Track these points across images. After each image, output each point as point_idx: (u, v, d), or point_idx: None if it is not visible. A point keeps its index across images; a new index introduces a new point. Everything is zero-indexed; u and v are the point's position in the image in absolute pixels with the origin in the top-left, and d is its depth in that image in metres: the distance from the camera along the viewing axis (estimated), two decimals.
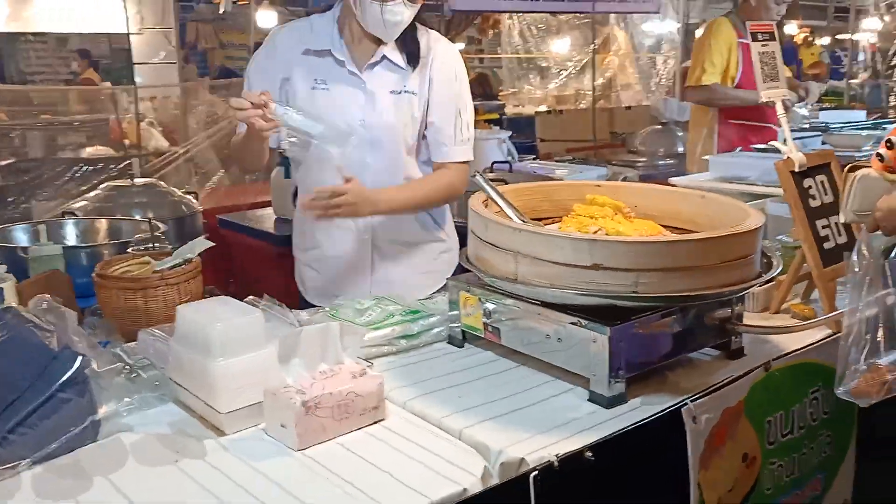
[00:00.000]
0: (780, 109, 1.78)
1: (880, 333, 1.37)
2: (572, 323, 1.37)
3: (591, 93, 6.53)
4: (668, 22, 6.83)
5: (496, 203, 1.58)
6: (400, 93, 1.97)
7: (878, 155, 1.29)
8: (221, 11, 4.92)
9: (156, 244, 1.86)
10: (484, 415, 1.34)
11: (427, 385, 1.46)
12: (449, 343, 1.66)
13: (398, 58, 1.97)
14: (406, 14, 1.88)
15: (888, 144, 1.27)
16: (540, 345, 1.45)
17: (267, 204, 3.71)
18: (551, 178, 2.93)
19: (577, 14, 6.05)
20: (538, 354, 1.47)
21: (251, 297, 1.63)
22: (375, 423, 1.32)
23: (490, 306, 1.54)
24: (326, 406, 1.26)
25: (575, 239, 1.34)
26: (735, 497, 1.52)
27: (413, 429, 1.32)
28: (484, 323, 1.56)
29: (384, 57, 1.96)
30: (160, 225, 2.27)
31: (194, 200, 3.26)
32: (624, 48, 6.63)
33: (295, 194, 3.14)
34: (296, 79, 1.95)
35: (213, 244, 1.78)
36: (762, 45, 1.72)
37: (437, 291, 1.97)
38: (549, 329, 1.42)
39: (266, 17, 6.34)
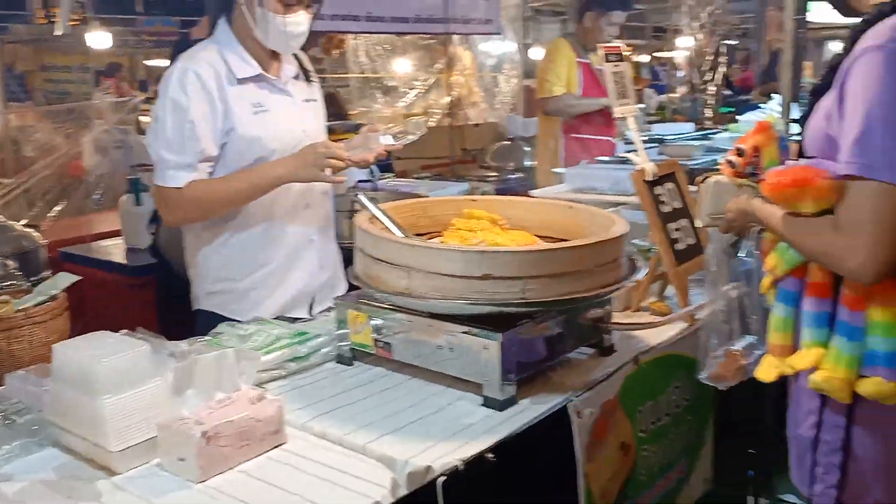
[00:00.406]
0: (631, 124, 1.94)
1: (733, 322, 1.53)
2: (464, 332, 1.43)
3: (439, 111, 6.71)
4: (507, 42, 7.14)
5: (380, 220, 1.61)
6: (309, 101, 2.02)
7: (729, 162, 1.44)
8: (59, 33, 4.59)
9: (12, 282, 1.73)
10: (385, 428, 1.37)
11: (323, 405, 1.47)
12: (338, 363, 1.66)
13: (297, 69, 2.01)
14: (307, 24, 1.88)
15: (738, 152, 1.42)
16: (432, 356, 1.49)
17: (114, 234, 3.50)
18: (417, 195, 3.00)
19: (422, 35, 6.21)
20: (430, 365, 1.52)
21: (124, 330, 1.55)
22: (276, 447, 1.31)
23: (380, 322, 1.56)
24: (226, 434, 1.24)
25: (466, 251, 1.40)
26: (615, 484, 1.63)
27: (316, 449, 1.32)
28: (374, 339, 1.58)
29: (297, 69, 2.01)
30: (9, 262, 2.10)
31: (36, 233, 3.03)
32: (469, 68, 6.88)
33: (152, 220, 3.01)
34: (235, 110, 1.86)
35: (80, 277, 1.69)
36: (614, 66, 1.87)
37: (324, 311, 1.97)
38: (441, 340, 1.47)
39: (99, 39, 6.01)
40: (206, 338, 1.70)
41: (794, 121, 1.52)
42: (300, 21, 1.86)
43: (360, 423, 1.38)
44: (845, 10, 1.38)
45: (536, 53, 8.37)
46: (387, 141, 1.87)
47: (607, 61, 1.87)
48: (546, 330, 1.50)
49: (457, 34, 5.64)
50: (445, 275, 1.38)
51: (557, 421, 1.45)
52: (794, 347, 1.35)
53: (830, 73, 1.29)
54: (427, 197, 2.85)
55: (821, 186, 1.20)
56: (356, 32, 6.11)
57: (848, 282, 1.25)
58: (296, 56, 2.02)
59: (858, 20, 1.31)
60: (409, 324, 1.51)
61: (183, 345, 1.68)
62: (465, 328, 1.42)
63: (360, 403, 1.47)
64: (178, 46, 3.13)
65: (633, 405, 1.65)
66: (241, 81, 1.87)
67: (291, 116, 1.95)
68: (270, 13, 1.83)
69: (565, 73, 3.82)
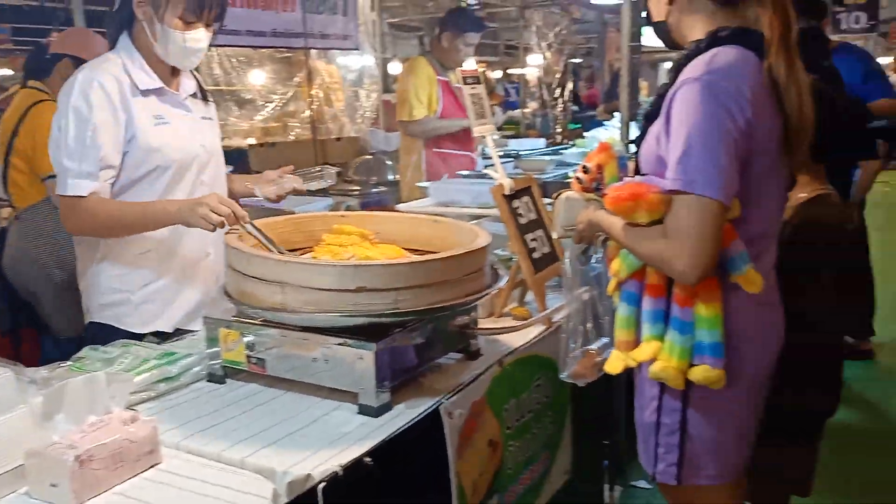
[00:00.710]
0: (489, 142, 2.07)
1: (589, 324, 1.68)
2: (339, 344, 1.48)
3: (298, 125, 6.69)
4: (366, 56, 7.23)
5: (254, 237, 1.64)
6: (206, 119, 2.06)
7: (577, 178, 1.59)
8: None
9: None
10: (262, 441, 1.39)
11: (197, 424, 1.47)
12: (209, 381, 1.66)
13: (196, 87, 2.05)
14: (207, 41, 1.92)
15: (584, 170, 1.57)
16: (307, 369, 1.53)
17: None
18: (283, 211, 3.00)
19: (280, 48, 6.18)
20: (305, 378, 1.55)
21: None
22: (152, 467, 1.31)
23: (253, 339, 1.58)
24: (100, 457, 1.22)
25: (341, 266, 1.46)
26: (484, 480, 1.73)
27: (193, 467, 1.32)
28: (247, 356, 1.60)
29: (196, 87, 2.05)
30: None
31: None
32: (328, 81, 6.90)
33: None
34: (136, 120, 1.89)
35: None
36: (472, 88, 1.99)
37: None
38: (316, 353, 1.51)
39: None
40: (68, 363, 1.65)
41: (632, 141, 1.69)
42: (199, 38, 1.91)
43: (237, 439, 1.40)
44: (670, 44, 1.57)
45: (395, 68, 8.52)
46: (296, 182, 1.99)
47: (465, 83, 1.99)
48: (417, 338, 1.58)
49: (315, 48, 5.67)
50: (320, 289, 1.43)
51: (431, 423, 1.54)
52: (636, 342, 1.51)
53: (659, 101, 1.47)
54: (293, 212, 2.88)
55: (652, 200, 1.36)
56: (218, 46, 5.99)
57: (678, 282, 1.42)
58: (194, 76, 2.07)
59: (682, 52, 1.49)
60: (283, 338, 1.54)
61: (43, 371, 1.63)
62: (340, 340, 1.48)
63: (236, 420, 1.49)
64: (32, 59, 3.00)
65: (499, 404, 1.76)
66: (144, 93, 1.91)
67: (190, 131, 1.99)
68: (170, 29, 1.87)
69: (426, 92, 3.93)
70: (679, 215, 1.35)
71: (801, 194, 1.88)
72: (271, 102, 7.00)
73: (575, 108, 12.03)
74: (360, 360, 1.46)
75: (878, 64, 3.89)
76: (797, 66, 1.41)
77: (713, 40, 1.43)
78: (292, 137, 6.57)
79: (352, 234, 1.79)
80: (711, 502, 1.60)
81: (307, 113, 6.50)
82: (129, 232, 1.91)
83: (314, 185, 2.06)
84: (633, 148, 1.66)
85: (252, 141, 6.63)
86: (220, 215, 1.72)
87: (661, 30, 1.58)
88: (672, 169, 1.35)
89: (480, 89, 2.03)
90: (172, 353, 1.66)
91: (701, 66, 1.37)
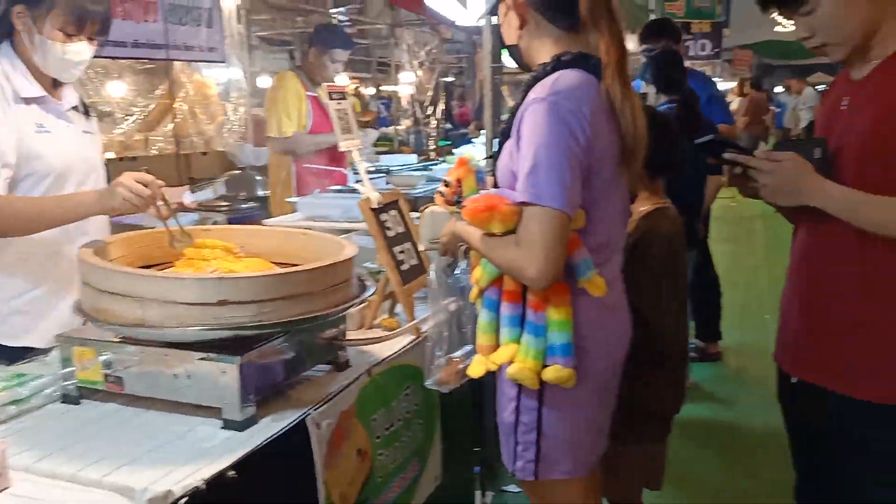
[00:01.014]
0: (356, 157, 2.11)
1: (453, 333, 1.74)
2: (201, 358, 1.46)
3: (161, 139, 6.45)
4: (233, 69, 7.08)
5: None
6: (87, 133, 2.03)
7: (440, 192, 1.66)
8: None
9: None
10: (121, 460, 1.35)
11: (50, 445, 1.41)
12: (64, 402, 1.59)
13: (78, 100, 2.02)
14: (89, 54, 1.89)
15: (445, 184, 1.64)
16: (168, 385, 1.50)
17: None
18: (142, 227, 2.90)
19: (141, 59, 5.95)
20: (167, 395, 1.52)
21: None
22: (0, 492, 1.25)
23: (110, 357, 1.54)
24: None
25: (202, 279, 1.45)
26: (354, 489, 1.75)
27: (46, 489, 1.27)
28: (104, 374, 1.55)
29: (78, 100, 2.02)
30: None
31: None
32: (193, 94, 6.71)
33: None
34: (18, 127, 1.86)
35: None
36: (337, 104, 2.02)
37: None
38: (177, 369, 1.48)
39: None
40: None
41: (490, 156, 1.78)
42: (80, 51, 1.89)
43: (94, 459, 1.36)
44: (524, 66, 1.67)
45: (265, 82, 8.39)
46: (188, 198, 2.03)
47: (332, 99, 2.01)
48: (283, 351, 1.58)
49: (178, 60, 5.50)
50: (181, 303, 1.41)
51: (298, 434, 1.54)
52: (497, 347, 1.59)
53: (511, 119, 1.56)
54: (154, 228, 2.79)
55: (504, 211, 1.45)
56: None
57: (530, 288, 1.51)
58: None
59: (531, 73, 1.60)
60: (143, 355, 1.51)
61: None
62: (203, 354, 1.46)
63: (93, 440, 1.44)
64: None
65: (367, 414, 1.79)
66: (26, 101, 1.88)
67: (72, 142, 1.96)
68: (49, 41, 1.84)
69: (295, 108, 3.88)
70: (528, 226, 1.44)
71: (641, 208, 2.04)
72: (132, 115, 6.71)
73: (448, 125, 12.30)
74: (224, 375, 1.45)
75: (718, 90, 4.31)
76: (630, 89, 1.55)
77: (557, 63, 1.54)
78: (154, 152, 6.33)
79: (215, 248, 1.77)
80: (568, 495, 1.69)
81: (170, 126, 6.29)
82: (45, 227, 1.85)
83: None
84: (491, 162, 1.74)
85: (111, 155, 6.34)
86: (140, 196, 1.72)
87: (514, 53, 1.68)
88: (521, 182, 1.45)
89: (346, 105, 2.06)
90: (22, 374, 1.59)
91: (546, 88, 1.48)
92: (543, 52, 1.60)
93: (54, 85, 1.98)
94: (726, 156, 1.63)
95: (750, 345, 4.89)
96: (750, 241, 7.97)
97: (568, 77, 1.49)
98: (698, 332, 4.63)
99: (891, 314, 1.54)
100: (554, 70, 1.52)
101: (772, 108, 15.61)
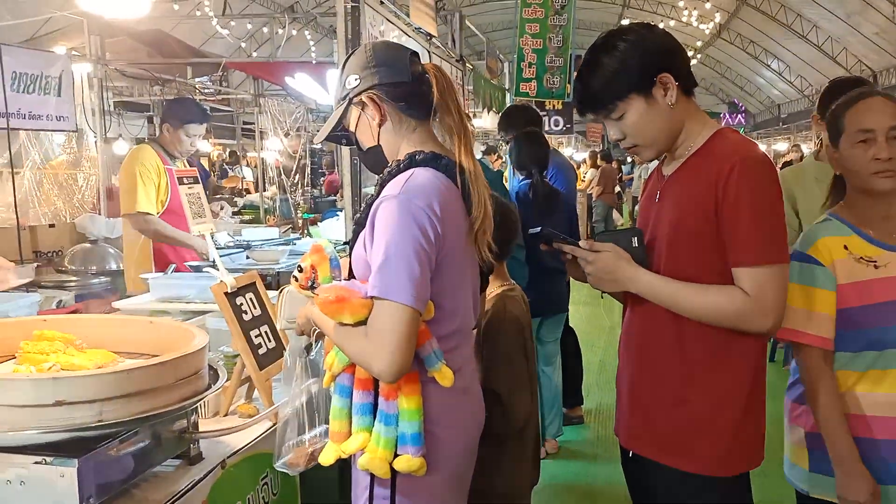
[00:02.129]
0: (209, 242, 2.08)
1: (304, 415, 1.73)
2: (36, 462, 1.38)
3: (4, 210, 6.04)
4: (87, 137, 6.81)
5: None
6: None
7: (295, 277, 1.67)
8: None
9: None
10: None
11: None
12: None
13: None
14: None
15: (300, 269, 1.66)
16: (0, 494, 1.41)
17: None
18: None
19: None
20: None
21: None
22: None
23: None
24: None
25: (36, 379, 1.38)
26: None
27: None
28: None
29: None
30: None
31: None
32: (38, 162, 6.37)
33: None
34: None
35: None
36: (189, 189, 2.00)
37: None
38: (10, 475, 1.39)
39: None
40: None
41: (346, 243, 1.82)
42: None
43: None
44: (379, 170, 1.72)
45: (121, 148, 8.09)
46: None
47: (181, 184, 2.00)
48: (128, 448, 1.51)
49: (23, 129, 5.23)
50: (12, 406, 1.34)
51: None
52: (349, 433, 1.60)
53: (367, 210, 1.61)
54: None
55: (355, 304, 1.48)
56: None
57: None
58: None
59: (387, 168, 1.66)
60: None
61: None
62: (38, 458, 1.38)
63: None
64: None
65: None
66: None
67: None
68: None
69: (153, 183, 3.71)
70: (378, 319, 1.48)
71: (489, 291, 2.14)
72: None
73: (315, 192, 12.27)
74: (62, 478, 1.38)
75: (561, 160, 4.72)
76: (477, 165, 1.68)
77: (411, 162, 1.62)
78: None
79: (55, 341, 1.69)
80: None
81: (11, 198, 5.90)
82: None
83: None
84: (348, 248, 1.78)
85: None
86: None
87: (372, 155, 1.73)
88: (373, 276, 1.49)
89: (198, 189, 2.05)
90: None
91: (399, 185, 1.55)
92: (403, 146, 1.67)
93: None
94: (555, 245, 1.77)
95: (609, 406, 5.12)
96: (607, 303, 8.41)
97: (420, 176, 1.57)
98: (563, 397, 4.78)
99: (706, 392, 1.68)
100: (407, 167, 1.60)
101: (627, 175, 16.78)
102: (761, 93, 29.38)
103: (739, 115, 28.96)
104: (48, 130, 5.74)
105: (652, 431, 1.75)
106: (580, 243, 1.74)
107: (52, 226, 5.73)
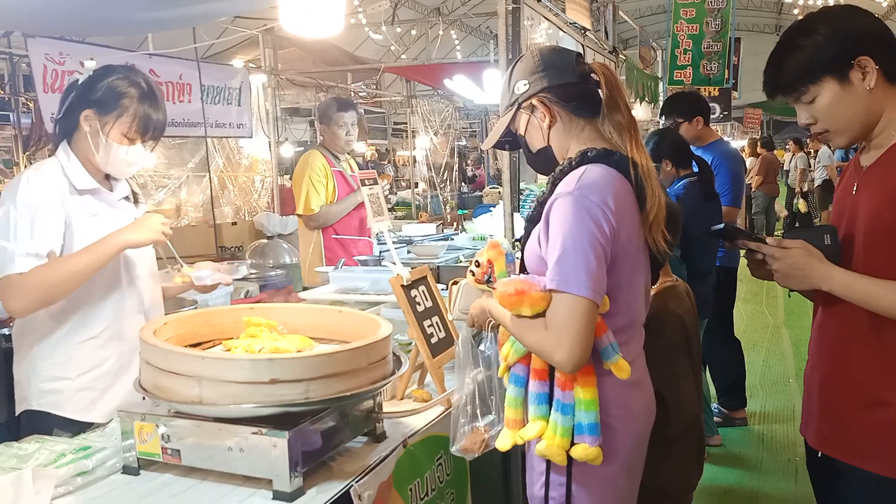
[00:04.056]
0: (387, 238, 2.25)
1: (477, 402, 1.84)
2: (253, 433, 1.58)
3: (193, 210, 6.70)
4: (260, 141, 7.37)
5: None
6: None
7: (471, 271, 1.78)
8: None
9: None
10: None
11: None
12: (124, 473, 1.71)
13: (129, 191, 2.22)
14: (146, 158, 2.12)
15: (476, 263, 1.77)
16: (222, 457, 1.62)
17: None
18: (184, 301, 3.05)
19: (177, 136, 6.24)
20: (220, 467, 1.63)
21: None
22: None
23: (168, 430, 1.66)
24: None
25: (255, 360, 1.57)
26: None
27: None
28: (162, 447, 1.67)
29: (129, 191, 2.24)
30: None
31: None
32: (222, 167, 6.98)
33: None
34: (73, 215, 2.04)
35: None
36: (369, 189, 2.18)
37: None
38: (230, 442, 1.60)
39: None
40: None
41: (517, 240, 1.91)
42: (140, 154, 2.11)
43: None
44: (547, 172, 1.80)
45: (287, 150, 8.68)
46: (225, 275, 2.21)
47: (364, 185, 2.18)
48: (328, 423, 1.70)
49: (211, 137, 5.77)
50: (236, 382, 1.54)
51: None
52: (524, 421, 1.69)
53: (539, 208, 1.69)
54: (195, 302, 2.95)
55: (534, 297, 1.57)
56: None
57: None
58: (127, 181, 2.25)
59: (559, 167, 1.74)
60: (199, 430, 1.63)
61: None
62: (255, 429, 1.58)
63: None
64: None
65: (404, 484, 1.88)
66: (80, 192, 2.07)
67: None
68: (114, 143, 2.05)
69: (322, 185, 4.00)
70: (557, 311, 1.55)
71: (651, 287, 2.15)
72: (164, 187, 6.98)
73: (463, 188, 12.54)
74: (274, 448, 1.56)
75: (732, 164, 4.30)
76: (648, 157, 1.72)
77: (583, 159, 1.68)
78: (186, 222, 6.56)
79: (261, 326, 1.90)
80: None
81: (201, 198, 6.53)
82: (77, 279, 1.98)
83: (236, 275, 2.21)
84: (518, 245, 1.87)
85: None
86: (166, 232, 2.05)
87: (543, 156, 1.80)
88: (550, 270, 1.57)
89: (377, 189, 2.22)
90: (87, 446, 1.70)
91: (573, 182, 1.61)
92: (573, 145, 1.74)
93: (107, 177, 2.17)
94: (739, 243, 1.75)
95: (775, 408, 4.92)
96: (770, 301, 8.02)
97: (593, 172, 1.63)
98: (721, 399, 4.66)
99: None
100: (580, 164, 1.66)
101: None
102: None
103: None
104: (231, 137, 6.28)
105: (845, 433, 1.70)
106: (768, 240, 1.72)
107: (234, 223, 6.27)
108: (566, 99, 1.74)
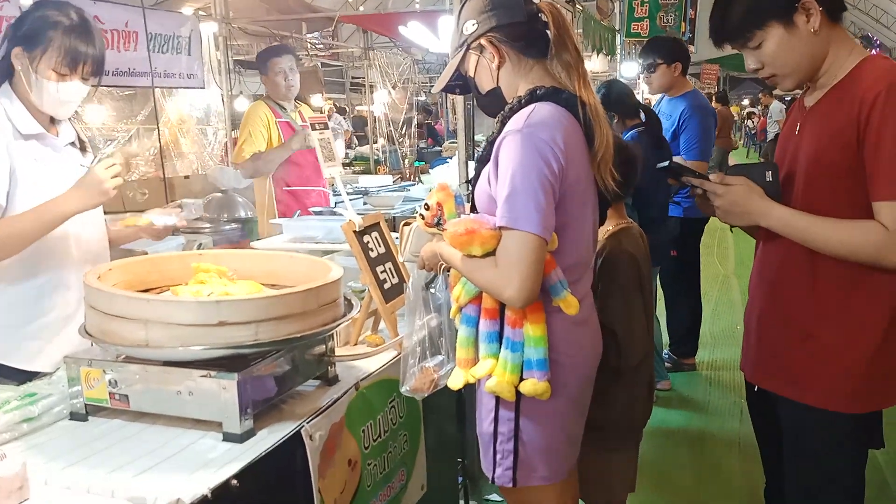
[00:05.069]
0: (339, 183, 2.24)
1: (427, 343, 1.86)
2: (203, 376, 1.57)
3: (143, 163, 6.54)
4: (212, 93, 7.18)
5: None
6: (83, 167, 2.11)
7: (421, 215, 1.78)
8: None
9: None
10: (132, 471, 1.46)
11: (64, 459, 1.51)
12: (72, 419, 1.69)
13: (75, 136, 2.14)
14: (81, 93, 2.01)
15: (426, 206, 1.76)
16: (171, 401, 1.61)
17: None
18: (132, 251, 3.00)
19: (122, 86, 6.05)
20: (170, 411, 1.63)
21: None
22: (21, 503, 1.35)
23: (115, 376, 1.64)
24: None
25: (202, 302, 1.56)
26: (346, 497, 1.86)
27: (63, 500, 1.37)
28: (110, 392, 1.66)
29: (75, 136, 2.15)
30: None
31: None
32: (173, 119, 6.80)
33: None
34: (19, 162, 1.98)
35: None
36: (320, 134, 2.15)
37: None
38: (180, 386, 1.59)
39: None
40: None
41: (468, 181, 1.91)
42: (74, 90, 2.01)
43: (106, 471, 1.46)
44: (494, 113, 1.79)
45: (242, 104, 8.49)
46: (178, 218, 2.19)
47: (314, 129, 2.15)
48: (278, 366, 1.70)
49: (159, 87, 5.60)
50: (183, 325, 1.53)
51: (294, 445, 1.65)
52: (475, 360, 1.71)
53: (489, 147, 1.69)
54: (145, 252, 2.89)
55: (484, 235, 1.57)
56: None
57: (508, 306, 1.64)
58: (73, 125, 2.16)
59: (508, 105, 1.73)
60: (147, 374, 1.62)
61: None
62: (204, 372, 1.57)
63: (103, 453, 1.54)
64: None
65: (356, 425, 1.90)
66: (25, 137, 2.00)
67: (68, 175, 2.05)
68: (44, 80, 1.96)
69: (263, 136, 3.92)
70: (507, 249, 1.57)
71: (606, 227, 2.18)
72: (113, 140, 6.79)
73: (422, 144, 12.45)
74: (224, 391, 1.56)
75: (697, 116, 4.20)
76: (596, 99, 1.72)
77: (532, 97, 1.68)
78: (136, 176, 6.40)
79: (210, 272, 1.88)
80: (546, 500, 1.81)
81: (152, 151, 6.37)
82: (20, 244, 1.95)
83: (189, 215, 2.19)
84: (468, 187, 1.88)
85: None
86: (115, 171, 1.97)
87: (492, 97, 1.78)
88: (500, 207, 1.58)
89: (328, 134, 2.19)
90: (33, 393, 1.68)
91: (521, 120, 1.61)
92: (522, 85, 1.74)
93: (52, 122, 2.10)
94: (684, 179, 1.78)
95: (723, 355, 5.06)
96: (722, 251, 8.20)
97: (542, 110, 1.63)
98: (672, 346, 4.77)
99: (837, 327, 1.68)
100: (528, 103, 1.66)
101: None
102: None
103: (874, 51, 26.86)
104: (180, 88, 6.11)
105: (778, 365, 1.77)
106: (710, 176, 1.75)
107: (187, 177, 6.15)
108: (515, 38, 1.73)
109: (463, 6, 1.81)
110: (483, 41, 1.75)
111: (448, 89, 1.90)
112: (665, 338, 4.66)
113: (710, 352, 5.11)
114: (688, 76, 4.38)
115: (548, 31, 1.73)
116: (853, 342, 1.66)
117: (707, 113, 4.28)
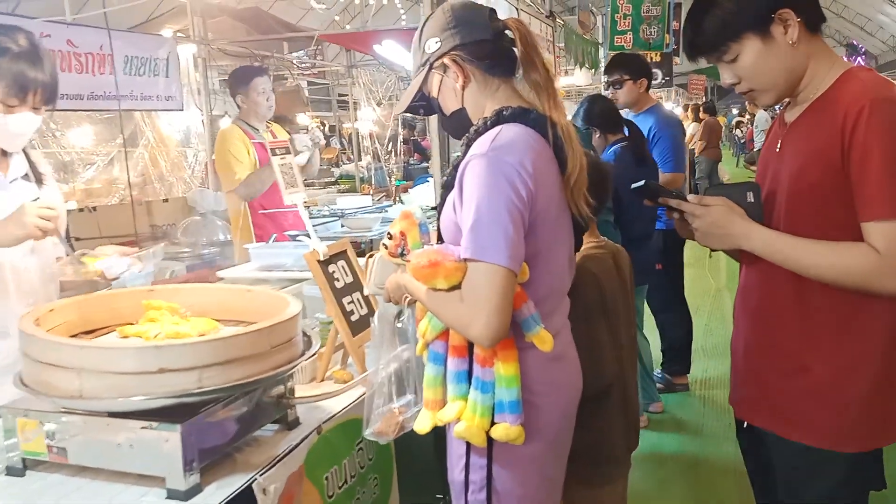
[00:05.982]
0: (302, 211, 2.12)
1: (393, 383, 1.73)
2: (143, 427, 1.45)
3: (123, 186, 6.41)
4: (192, 114, 7.08)
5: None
6: (36, 202, 1.96)
7: (384, 244, 1.66)
8: None
9: None
10: None
11: None
12: (8, 475, 1.56)
13: (27, 169, 2.00)
14: (33, 124, 1.90)
15: (389, 236, 1.64)
16: (112, 455, 1.48)
17: None
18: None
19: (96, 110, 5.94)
20: (111, 465, 1.50)
21: None
22: None
23: (53, 427, 1.51)
24: None
25: (140, 348, 1.44)
26: None
27: None
28: (48, 445, 1.53)
29: (28, 169, 2.01)
30: None
31: None
32: (153, 141, 6.68)
33: None
34: None
35: None
36: (281, 159, 2.03)
37: None
38: (120, 438, 1.47)
39: None
40: None
41: (434, 208, 1.80)
42: (24, 121, 1.89)
43: None
44: (460, 135, 1.68)
45: (226, 125, 8.38)
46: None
47: (274, 155, 2.03)
48: (228, 414, 1.57)
49: (136, 110, 5.50)
50: (119, 373, 1.40)
51: (246, 500, 1.52)
52: (444, 401, 1.58)
53: (454, 172, 1.58)
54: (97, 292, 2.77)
55: (448, 268, 1.45)
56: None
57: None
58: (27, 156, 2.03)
59: (473, 127, 1.62)
60: (85, 425, 1.49)
61: None
62: (145, 423, 1.44)
63: None
64: None
65: (318, 473, 1.77)
66: None
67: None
68: None
69: (245, 158, 3.80)
70: (473, 282, 1.44)
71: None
72: (92, 164, 6.67)
73: (412, 160, 12.36)
74: (167, 443, 1.44)
75: (669, 129, 4.21)
76: (565, 116, 1.61)
77: (498, 118, 1.56)
78: (115, 200, 6.28)
79: (161, 310, 1.76)
80: None
81: (132, 174, 6.25)
82: None
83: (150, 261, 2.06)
84: (436, 214, 1.76)
85: (73, 205, 6.28)
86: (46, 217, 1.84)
87: (456, 119, 1.67)
88: (465, 238, 1.45)
89: (290, 159, 2.07)
90: None
91: (487, 143, 1.50)
92: (488, 106, 1.62)
93: (3, 154, 1.98)
94: (661, 200, 1.67)
95: (716, 372, 4.94)
96: (713, 264, 8.10)
97: (509, 132, 1.52)
98: (665, 365, 4.65)
99: (831, 359, 1.56)
100: (495, 124, 1.55)
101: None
102: (884, 32, 27.16)
103: (859, 58, 26.89)
104: (157, 110, 6.01)
105: (769, 401, 1.65)
106: (689, 197, 1.63)
107: (165, 200, 6.03)
108: (480, 57, 1.63)
109: (425, 23, 1.71)
110: (446, 60, 1.64)
111: (411, 110, 1.78)
112: (657, 354, 4.54)
113: (704, 369, 4.99)
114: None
115: (515, 49, 1.62)
116: (848, 374, 1.55)
117: (675, 124, 4.38)
